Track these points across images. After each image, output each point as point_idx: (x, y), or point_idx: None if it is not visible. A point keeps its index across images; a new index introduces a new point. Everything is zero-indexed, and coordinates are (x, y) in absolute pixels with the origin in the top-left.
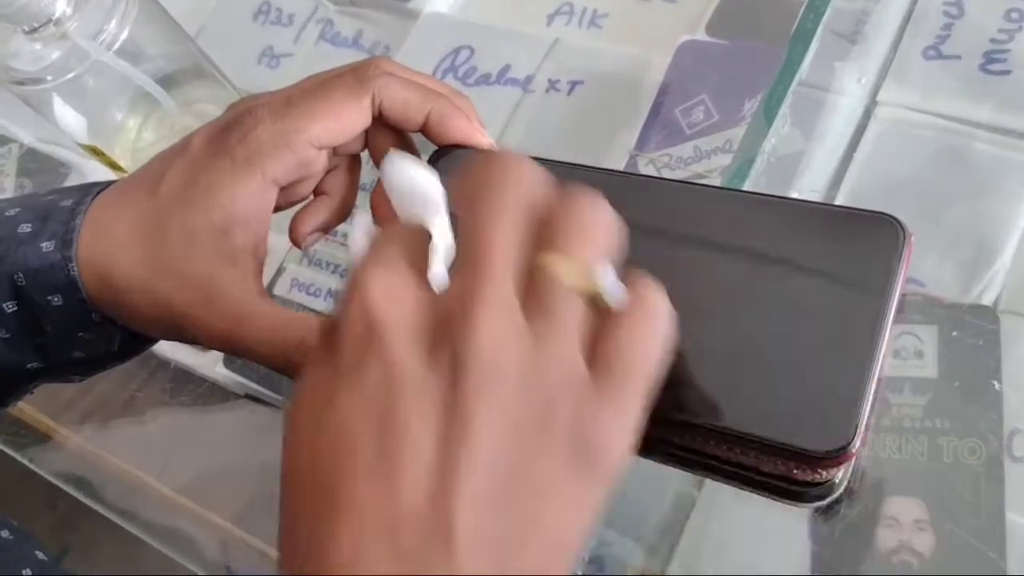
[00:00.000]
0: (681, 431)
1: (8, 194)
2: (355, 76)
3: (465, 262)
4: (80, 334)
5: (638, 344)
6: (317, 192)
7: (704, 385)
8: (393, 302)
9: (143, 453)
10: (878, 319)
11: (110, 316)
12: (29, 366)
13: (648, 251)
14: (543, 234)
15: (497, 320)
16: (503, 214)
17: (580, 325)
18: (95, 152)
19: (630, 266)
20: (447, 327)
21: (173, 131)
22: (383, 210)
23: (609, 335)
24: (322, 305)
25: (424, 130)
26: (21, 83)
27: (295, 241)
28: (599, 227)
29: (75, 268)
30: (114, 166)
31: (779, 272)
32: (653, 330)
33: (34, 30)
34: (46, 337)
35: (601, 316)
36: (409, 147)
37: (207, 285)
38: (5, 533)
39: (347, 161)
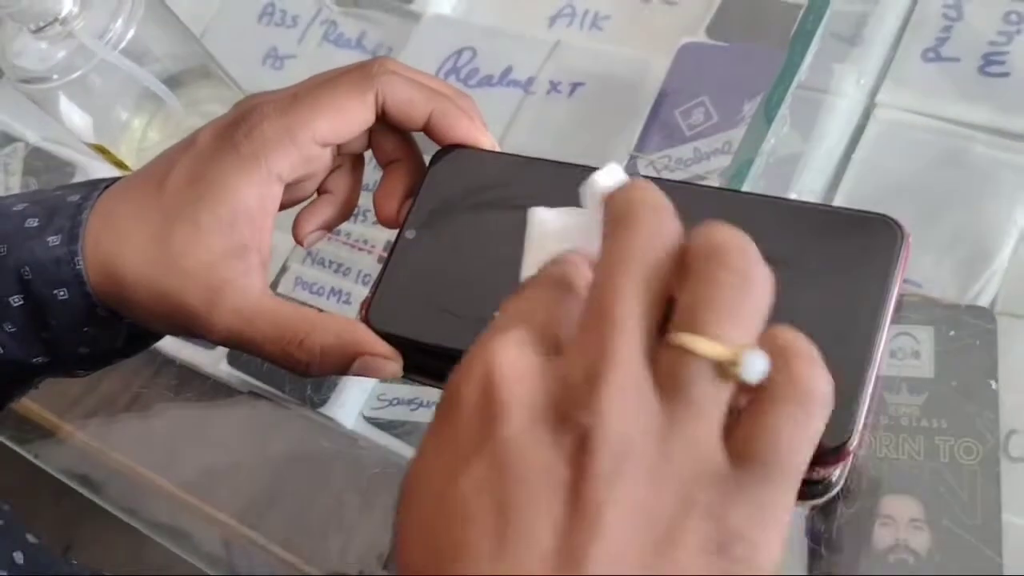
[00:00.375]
0: None
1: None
2: (360, 73)
3: (590, 324)
4: (85, 329)
5: (786, 432)
6: (320, 191)
7: None
8: (517, 378)
9: (147, 450)
10: (876, 319)
11: (116, 311)
12: (35, 360)
13: None
14: (682, 301)
15: (627, 399)
16: (632, 272)
17: (718, 405)
18: (101, 151)
19: None
20: (572, 404)
21: (178, 131)
22: (386, 210)
23: (753, 419)
24: (325, 304)
25: (426, 129)
26: (27, 82)
27: (298, 239)
28: (748, 295)
29: (81, 262)
30: (120, 165)
31: (776, 272)
32: (805, 416)
33: (40, 29)
34: (52, 331)
35: (741, 391)
36: (412, 148)
37: (212, 280)
38: None
39: (350, 161)
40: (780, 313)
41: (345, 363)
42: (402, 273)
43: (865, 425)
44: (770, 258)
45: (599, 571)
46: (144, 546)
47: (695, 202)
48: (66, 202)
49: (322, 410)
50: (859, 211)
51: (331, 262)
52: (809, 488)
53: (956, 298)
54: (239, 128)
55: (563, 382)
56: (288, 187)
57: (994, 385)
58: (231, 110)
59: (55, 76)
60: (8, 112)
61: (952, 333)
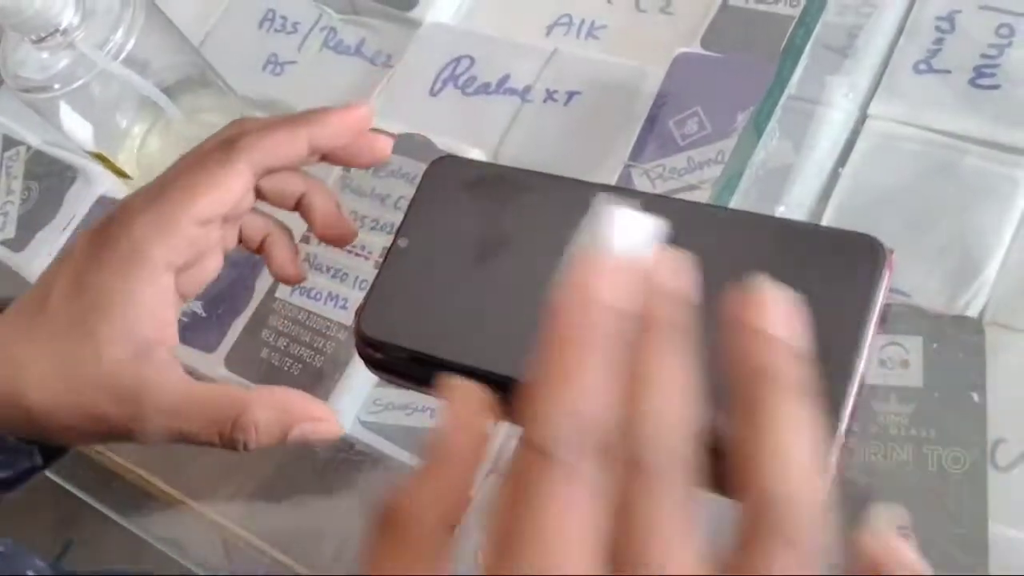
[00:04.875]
0: None
1: (16, 196)
2: (220, 147)
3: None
4: None
5: None
6: (256, 247)
7: None
8: (574, 545)
9: (145, 452)
10: (856, 340)
11: (26, 438)
12: None
13: None
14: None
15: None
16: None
17: None
18: (101, 159)
19: None
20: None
21: (178, 139)
22: (329, 235)
23: None
24: (322, 308)
25: (319, 152)
26: (29, 91)
27: (294, 281)
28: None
29: None
30: (120, 173)
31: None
32: None
33: (42, 39)
34: None
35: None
36: (309, 179)
37: (126, 386)
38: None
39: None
40: None
41: (283, 433)
42: (394, 282)
43: (845, 442)
44: (750, 275)
45: None
46: (143, 547)
47: (677, 217)
48: None
49: None
50: (840, 230)
51: (328, 267)
52: None
53: (945, 308)
54: (112, 227)
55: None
56: (184, 273)
57: (981, 396)
58: (102, 216)
59: (56, 86)
60: (10, 116)
61: (941, 343)
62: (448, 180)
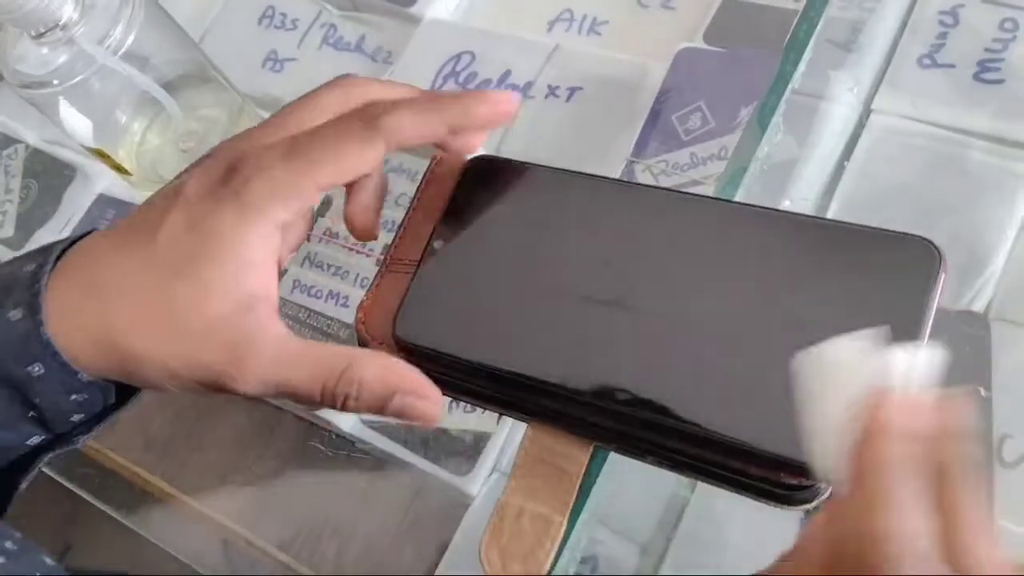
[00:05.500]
0: (674, 436)
1: (15, 194)
2: (363, 122)
3: None
4: (73, 397)
5: None
6: (348, 185)
7: (702, 394)
8: None
9: (146, 451)
10: (917, 339)
11: (114, 380)
12: (30, 441)
13: (663, 264)
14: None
15: None
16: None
17: None
18: (100, 155)
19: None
20: None
21: (177, 135)
22: (362, 223)
23: None
24: (323, 306)
25: (446, 140)
26: (28, 86)
27: (358, 232)
28: None
29: (46, 332)
30: (119, 169)
31: (811, 293)
32: None
33: (41, 35)
34: (39, 410)
35: None
36: (378, 171)
37: (232, 335)
38: (9, 544)
39: None
40: (816, 333)
41: (385, 397)
42: (430, 285)
43: None
44: (805, 279)
45: None
46: (143, 548)
47: (726, 221)
48: (22, 272)
49: (320, 413)
50: (896, 232)
51: (329, 265)
52: (798, 493)
53: (950, 304)
54: (235, 177)
55: None
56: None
57: (987, 391)
58: (213, 158)
59: (55, 81)
60: (8, 114)
61: (945, 338)
62: (486, 180)
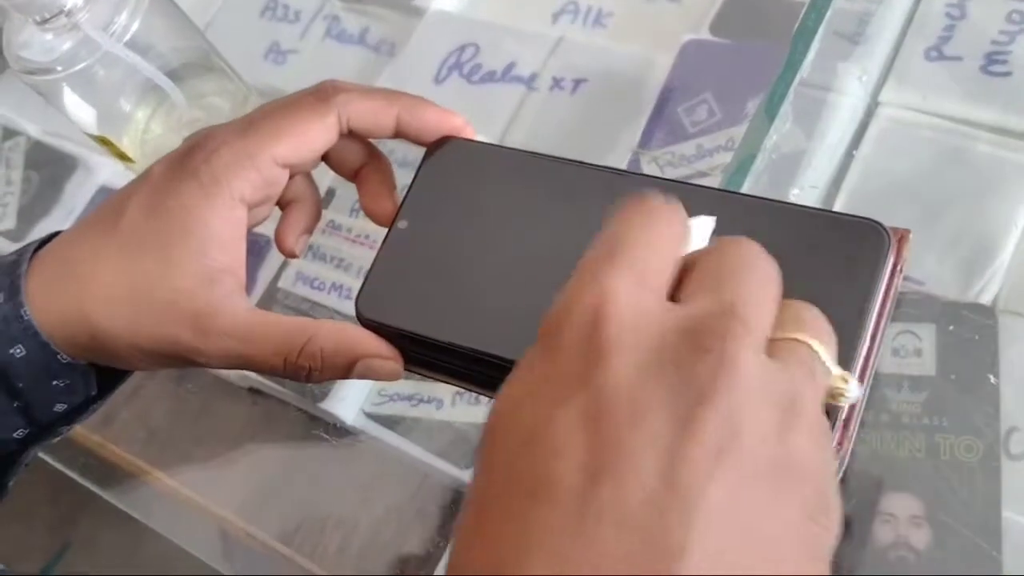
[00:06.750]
0: None
1: (17, 186)
2: (316, 96)
3: (728, 277)
4: (55, 382)
5: None
6: (283, 204)
7: None
8: (632, 323)
9: (147, 444)
10: (858, 322)
11: (86, 360)
12: (16, 434)
13: None
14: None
15: (753, 366)
16: (768, 286)
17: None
18: (104, 143)
19: None
20: (693, 358)
21: (181, 123)
22: (378, 210)
23: None
24: (326, 298)
25: (399, 131)
26: (32, 73)
27: (286, 251)
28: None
29: (27, 313)
30: (123, 157)
31: None
32: None
33: (45, 21)
34: (22, 396)
35: None
36: (376, 151)
37: (195, 306)
38: None
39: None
40: None
41: (347, 365)
42: (394, 264)
43: (848, 427)
44: None
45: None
46: (141, 546)
47: (684, 201)
48: (4, 260)
49: (322, 405)
50: (847, 215)
51: (331, 257)
52: None
53: (958, 296)
54: (195, 155)
55: (684, 335)
56: (249, 210)
57: (994, 382)
58: (182, 144)
59: (59, 68)
60: (10, 106)
61: (954, 331)
62: (449, 161)
